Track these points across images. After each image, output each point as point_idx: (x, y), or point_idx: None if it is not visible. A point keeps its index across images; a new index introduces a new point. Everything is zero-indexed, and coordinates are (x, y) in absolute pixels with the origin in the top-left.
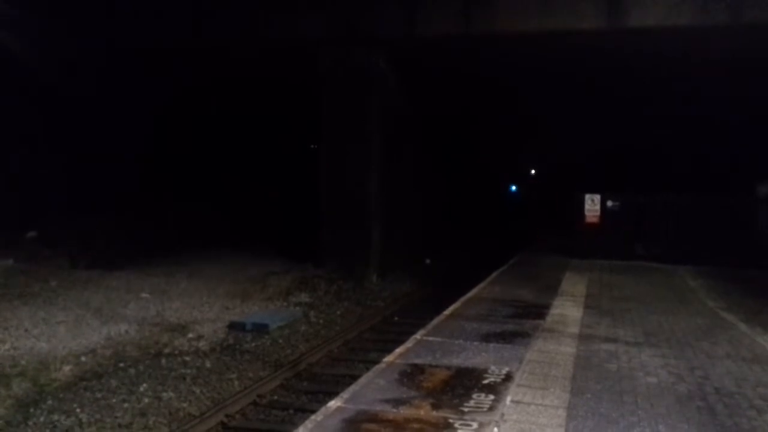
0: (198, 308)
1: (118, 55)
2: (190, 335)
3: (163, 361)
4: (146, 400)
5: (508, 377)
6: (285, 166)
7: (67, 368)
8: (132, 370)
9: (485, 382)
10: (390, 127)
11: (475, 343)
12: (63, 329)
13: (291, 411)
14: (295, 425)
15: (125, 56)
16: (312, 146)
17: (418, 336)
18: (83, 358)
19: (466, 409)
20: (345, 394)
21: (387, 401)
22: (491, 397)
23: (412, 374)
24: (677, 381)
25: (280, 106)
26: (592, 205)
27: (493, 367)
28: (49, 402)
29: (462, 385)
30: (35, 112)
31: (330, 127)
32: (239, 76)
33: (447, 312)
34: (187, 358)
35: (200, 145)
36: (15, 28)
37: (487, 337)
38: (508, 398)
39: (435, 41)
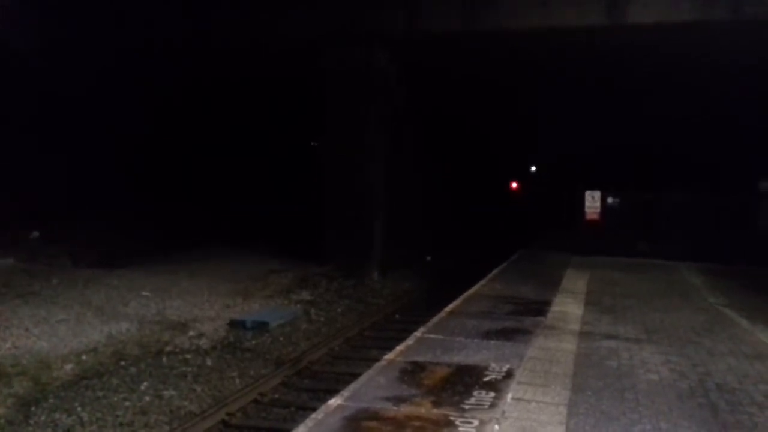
0: (199, 306)
1: (121, 54)
2: (191, 333)
3: (164, 359)
4: (147, 398)
5: (509, 374)
6: (287, 165)
7: (68, 367)
8: (133, 369)
9: (486, 379)
10: (393, 124)
11: (476, 340)
12: (64, 328)
13: (292, 409)
14: (296, 423)
15: (128, 56)
16: (313, 144)
17: (418, 333)
18: (84, 357)
19: (466, 407)
20: (346, 392)
21: (388, 399)
22: (492, 394)
23: (412, 372)
24: (679, 378)
25: (282, 105)
26: (592, 202)
27: (493, 365)
28: (51, 401)
29: (463, 382)
30: (38, 112)
31: (333, 125)
32: (240, 74)
33: (448, 309)
34: (188, 356)
35: (203, 145)
36: (16, 27)
37: (487, 335)
38: (509, 395)
39: (436, 38)
